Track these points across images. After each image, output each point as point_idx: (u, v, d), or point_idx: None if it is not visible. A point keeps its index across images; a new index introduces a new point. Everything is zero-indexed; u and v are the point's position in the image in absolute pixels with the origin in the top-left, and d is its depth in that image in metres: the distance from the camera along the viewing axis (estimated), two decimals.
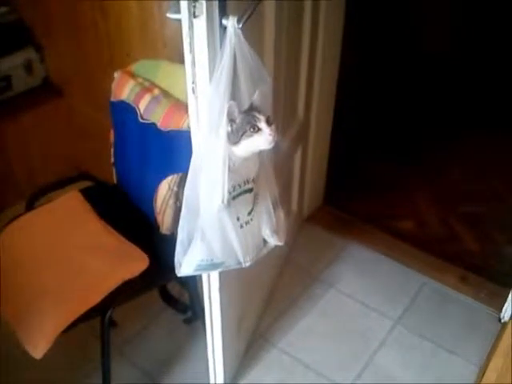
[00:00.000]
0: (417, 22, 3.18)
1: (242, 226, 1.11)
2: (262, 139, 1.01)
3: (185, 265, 1.14)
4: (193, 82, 1.00)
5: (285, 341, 1.89)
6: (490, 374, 1.56)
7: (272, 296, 2.02)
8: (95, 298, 1.36)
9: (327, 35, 1.83)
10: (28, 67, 2.29)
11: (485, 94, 3.10)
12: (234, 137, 1.00)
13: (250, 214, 1.12)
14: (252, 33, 1.03)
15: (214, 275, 1.32)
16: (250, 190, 1.08)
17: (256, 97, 1.03)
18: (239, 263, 1.18)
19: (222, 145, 0.98)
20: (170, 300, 1.97)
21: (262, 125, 1.01)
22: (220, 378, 1.67)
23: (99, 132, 2.27)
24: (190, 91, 1.02)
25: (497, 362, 1.53)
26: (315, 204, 2.41)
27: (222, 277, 1.33)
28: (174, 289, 1.94)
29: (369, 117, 2.99)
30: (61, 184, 1.71)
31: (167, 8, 0.99)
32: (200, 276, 1.39)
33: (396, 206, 2.49)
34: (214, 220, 1.05)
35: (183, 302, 1.94)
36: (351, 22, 2.03)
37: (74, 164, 2.51)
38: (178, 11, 0.96)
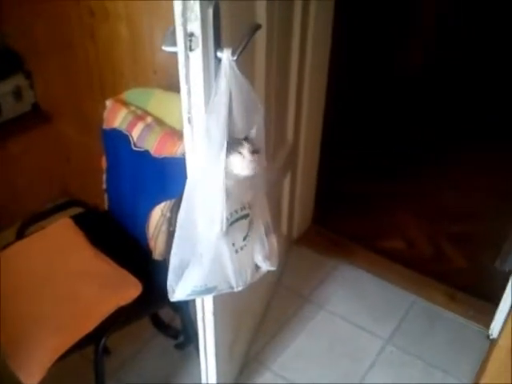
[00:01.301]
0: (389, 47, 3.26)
1: (237, 251, 1.13)
2: (243, 165, 1.04)
3: (179, 290, 1.15)
4: (188, 112, 1.02)
5: (278, 363, 1.89)
6: None
7: (264, 319, 2.03)
8: (89, 325, 1.36)
9: (314, 66, 1.88)
10: (17, 94, 2.30)
11: (469, 114, 3.19)
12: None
13: (244, 239, 1.14)
14: (245, 64, 1.06)
15: (208, 299, 1.33)
16: (247, 216, 1.10)
17: (253, 132, 1.06)
18: (231, 287, 1.20)
19: (220, 173, 1.00)
20: (161, 326, 1.96)
21: (245, 152, 1.03)
22: None
23: (87, 157, 2.30)
24: (185, 121, 1.04)
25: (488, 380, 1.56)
26: (304, 225, 2.44)
27: (216, 301, 1.34)
28: (165, 315, 1.94)
29: (356, 138, 3.05)
30: (51, 211, 1.72)
31: (162, 39, 1.02)
32: (193, 301, 1.40)
33: (384, 226, 2.52)
34: (211, 246, 1.07)
35: (174, 327, 1.94)
36: (335, 53, 2.08)
37: (63, 189, 2.52)
38: (174, 44, 0.99)
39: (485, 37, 3.37)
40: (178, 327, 1.91)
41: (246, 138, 1.07)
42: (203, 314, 1.38)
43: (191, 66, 0.98)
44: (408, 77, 3.30)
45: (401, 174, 2.80)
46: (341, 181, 2.73)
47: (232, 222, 1.07)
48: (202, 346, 1.49)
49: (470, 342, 1.96)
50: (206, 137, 1.01)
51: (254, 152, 1.06)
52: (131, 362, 1.88)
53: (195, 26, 0.93)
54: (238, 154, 1.04)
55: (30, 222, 1.67)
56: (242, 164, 1.04)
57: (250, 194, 1.12)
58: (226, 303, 1.43)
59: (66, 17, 1.98)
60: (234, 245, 1.11)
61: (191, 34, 0.94)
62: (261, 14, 1.28)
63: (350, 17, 2.45)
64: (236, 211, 1.08)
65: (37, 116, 2.40)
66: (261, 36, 1.28)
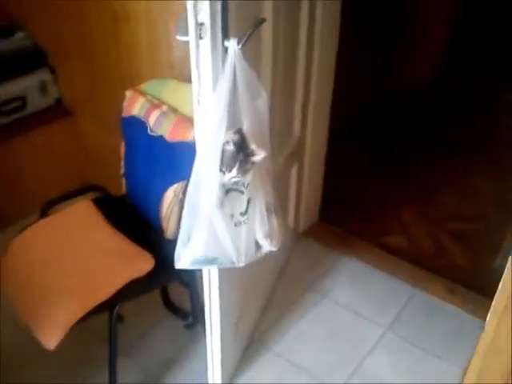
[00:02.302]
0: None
1: (236, 225, 1.23)
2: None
3: (183, 258, 1.26)
4: (198, 94, 1.14)
5: (280, 345, 1.99)
6: (471, 375, 1.66)
7: (268, 303, 2.13)
8: (105, 294, 1.48)
9: (321, 62, 2.00)
10: (42, 88, 2.45)
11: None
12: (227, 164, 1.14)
13: (243, 215, 1.24)
14: (251, 52, 1.18)
15: (214, 273, 1.44)
16: (241, 192, 1.20)
17: (245, 126, 1.16)
18: (232, 262, 1.29)
19: (219, 144, 1.12)
20: (172, 307, 2.08)
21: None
22: (218, 377, 1.77)
23: (105, 149, 2.45)
24: (195, 102, 1.16)
25: (476, 364, 1.64)
26: (311, 220, 2.54)
27: (222, 276, 1.45)
28: (175, 298, 2.06)
29: (362, 138, 3.16)
30: (73, 194, 1.85)
31: (176, 32, 1.14)
32: (201, 275, 1.51)
33: (387, 222, 2.62)
34: (207, 215, 1.18)
35: (184, 309, 2.06)
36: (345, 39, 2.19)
37: (82, 179, 2.65)
38: (186, 34, 1.11)
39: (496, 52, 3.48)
40: (187, 310, 2.03)
41: (241, 132, 1.16)
42: (209, 287, 1.49)
43: (201, 52, 1.10)
44: (414, 91, 3.41)
45: (405, 174, 2.90)
46: (347, 179, 2.83)
47: (228, 191, 1.17)
48: (207, 321, 1.60)
49: (467, 333, 2.04)
50: (210, 117, 1.12)
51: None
52: (142, 340, 1.99)
53: (205, 17, 1.05)
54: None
55: (53, 203, 1.80)
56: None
57: (248, 176, 1.21)
58: (231, 280, 1.54)
59: (90, 18, 2.13)
60: (232, 217, 1.21)
61: (201, 24, 1.06)
62: (267, 8, 1.40)
63: (357, 16, 2.55)
64: (233, 184, 1.18)
65: (59, 110, 2.55)
66: (267, 29, 1.40)
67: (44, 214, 1.79)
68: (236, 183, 1.21)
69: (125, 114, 1.68)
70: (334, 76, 2.18)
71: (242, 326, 1.86)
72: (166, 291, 2.05)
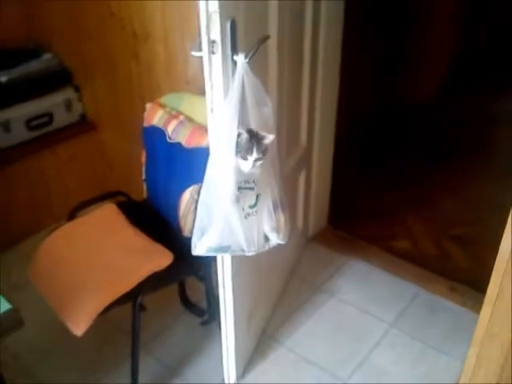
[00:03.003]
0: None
1: (246, 217, 1.38)
2: (245, 166, 1.31)
3: (199, 246, 1.42)
4: (211, 103, 1.31)
5: (290, 340, 2.12)
6: (470, 361, 1.78)
7: (279, 302, 2.27)
8: (128, 285, 1.63)
9: (326, 71, 2.16)
10: (68, 105, 2.65)
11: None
12: (246, 149, 1.30)
13: (252, 208, 1.39)
14: (258, 66, 1.34)
15: (227, 264, 1.59)
16: (252, 189, 1.36)
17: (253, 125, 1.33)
18: (243, 250, 1.44)
19: (232, 150, 1.28)
20: (188, 305, 2.23)
21: (250, 159, 1.30)
22: (232, 368, 1.90)
23: (127, 158, 2.63)
24: (209, 110, 1.32)
25: (474, 350, 1.75)
26: (320, 225, 2.68)
27: (235, 266, 1.60)
28: (192, 296, 2.21)
29: (367, 148, 3.31)
30: (98, 199, 2.01)
31: (192, 48, 1.31)
32: (216, 270, 1.66)
33: (392, 227, 2.75)
34: (224, 209, 1.33)
35: (200, 307, 2.20)
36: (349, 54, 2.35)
37: (105, 188, 2.82)
38: (200, 50, 1.28)
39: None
40: (203, 307, 2.17)
41: (256, 138, 1.32)
42: (223, 279, 1.64)
43: (213, 66, 1.27)
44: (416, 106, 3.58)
45: (408, 181, 3.05)
46: (353, 187, 2.98)
47: (240, 189, 1.33)
48: (222, 310, 1.74)
49: (467, 328, 2.11)
50: (222, 122, 1.28)
51: (257, 160, 1.32)
52: (161, 335, 2.14)
53: (216, 35, 1.22)
54: (244, 160, 1.31)
55: (79, 207, 1.96)
56: (245, 165, 1.32)
57: (257, 174, 1.37)
58: (244, 272, 1.69)
59: (111, 37, 2.33)
60: (243, 209, 1.36)
61: (213, 41, 1.23)
62: (272, 27, 1.57)
63: (361, 32, 2.72)
64: (245, 182, 1.34)
65: (84, 125, 2.75)
66: (272, 44, 1.57)
67: (71, 217, 1.96)
68: (247, 181, 1.37)
69: (146, 124, 1.85)
70: (338, 88, 2.34)
71: (254, 320, 1.99)
72: (184, 289, 2.19)
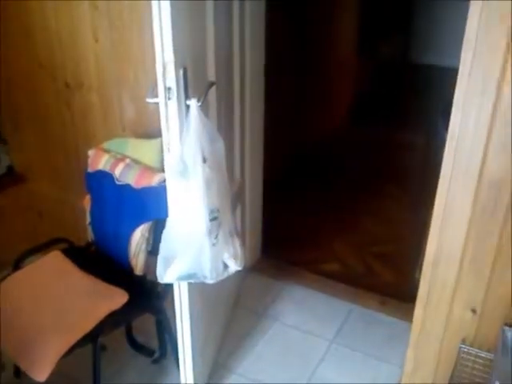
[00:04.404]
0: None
1: (212, 246, 1.50)
2: None
3: (168, 275, 1.50)
4: (168, 143, 1.43)
5: (241, 367, 2.21)
6: (408, 364, 1.97)
7: (226, 332, 2.36)
8: (87, 327, 1.66)
9: (252, 112, 2.36)
10: None
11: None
12: None
13: (216, 237, 1.51)
14: (202, 109, 1.49)
15: (185, 294, 1.67)
16: (216, 218, 1.49)
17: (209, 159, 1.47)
18: (205, 277, 1.55)
19: (200, 183, 1.40)
20: (137, 346, 2.25)
21: None
22: None
23: (60, 209, 2.63)
24: (166, 150, 1.44)
25: (411, 353, 1.95)
26: (255, 256, 2.83)
27: (192, 296, 1.69)
28: (139, 337, 2.24)
29: (290, 182, 3.56)
30: (41, 247, 2.02)
31: (147, 96, 1.44)
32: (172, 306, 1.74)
33: (322, 252, 2.96)
34: (198, 240, 1.44)
35: (148, 347, 2.24)
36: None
37: (37, 238, 2.79)
38: (155, 96, 1.41)
39: None
40: (151, 347, 2.21)
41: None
42: (181, 308, 1.72)
43: (169, 110, 1.39)
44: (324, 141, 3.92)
45: (332, 207, 3.30)
46: (284, 216, 3.18)
47: (211, 221, 1.45)
48: (180, 344, 1.81)
49: (400, 336, 2.35)
50: (181, 160, 1.41)
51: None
52: (112, 379, 2.13)
53: (171, 82, 1.35)
54: None
55: (23, 257, 1.96)
56: None
57: (218, 201, 1.50)
58: (197, 302, 1.78)
59: (42, 89, 2.37)
60: (210, 239, 1.48)
61: (169, 88, 1.36)
62: (211, 73, 1.74)
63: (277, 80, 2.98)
64: (212, 211, 1.46)
65: (11, 177, 2.72)
66: (212, 90, 1.73)
67: (16, 267, 1.95)
68: (213, 210, 1.49)
69: (90, 170, 1.92)
70: (264, 129, 2.56)
71: (206, 352, 2.07)
72: (131, 331, 2.22)
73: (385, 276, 2.79)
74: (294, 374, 2.18)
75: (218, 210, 1.48)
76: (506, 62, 1.38)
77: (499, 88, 1.40)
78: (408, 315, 2.46)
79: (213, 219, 1.47)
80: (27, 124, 2.55)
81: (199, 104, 1.40)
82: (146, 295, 1.78)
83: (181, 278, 1.52)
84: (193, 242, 1.46)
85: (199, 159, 1.39)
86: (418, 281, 2.18)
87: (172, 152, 1.44)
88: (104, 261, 1.97)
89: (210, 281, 1.57)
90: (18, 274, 1.89)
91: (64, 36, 2.17)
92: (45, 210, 2.78)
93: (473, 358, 1.71)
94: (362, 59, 4.26)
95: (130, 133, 2.21)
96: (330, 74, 3.84)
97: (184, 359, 1.84)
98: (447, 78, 3.90)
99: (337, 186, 3.62)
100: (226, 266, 1.62)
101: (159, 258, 1.50)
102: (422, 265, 2.09)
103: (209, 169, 1.42)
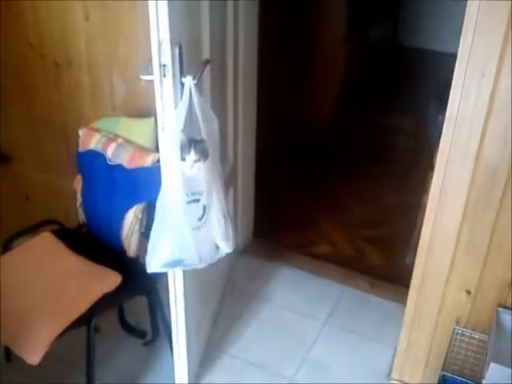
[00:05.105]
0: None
1: (195, 229, 1.47)
2: (185, 167, 1.40)
3: (153, 263, 1.48)
4: (163, 122, 1.40)
5: (235, 348, 2.21)
6: (402, 345, 1.99)
7: (219, 314, 2.35)
8: (81, 309, 1.64)
9: (245, 95, 2.33)
10: None
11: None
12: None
13: (200, 219, 1.48)
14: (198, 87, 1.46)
15: (180, 278, 1.66)
16: (198, 200, 1.45)
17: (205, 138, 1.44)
18: (196, 263, 1.53)
19: (177, 162, 1.37)
20: (129, 328, 2.24)
21: (189, 159, 1.39)
22: (185, 379, 1.95)
23: (47, 190, 2.58)
24: (160, 129, 1.41)
25: (404, 335, 1.97)
26: (247, 238, 2.82)
27: (186, 279, 1.67)
28: (131, 319, 2.23)
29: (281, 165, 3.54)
30: (31, 229, 1.99)
31: (141, 73, 1.40)
32: (167, 286, 1.72)
33: (313, 235, 2.96)
34: (175, 223, 1.41)
35: (140, 329, 2.23)
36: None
37: (23, 222, 2.75)
38: (149, 74, 1.37)
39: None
40: (143, 328, 2.20)
41: (195, 142, 1.42)
42: (175, 293, 1.70)
43: (164, 88, 1.36)
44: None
45: (322, 192, 3.30)
46: (275, 200, 3.16)
47: (189, 202, 1.42)
48: (174, 326, 1.80)
49: (392, 317, 2.37)
50: (170, 138, 1.38)
51: (196, 161, 1.41)
52: (106, 359, 2.12)
53: (167, 59, 1.32)
54: (183, 161, 1.40)
55: (12, 238, 1.92)
56: (185, 166, 1.40)
57: (204, 185, 1.46)
58: (192, 286, 1.76)
59: (31, 68, 2.31)
60: (191, 222, 1.45)
61: (164, 65, 1.33)
62: (206, 51, 1.70)
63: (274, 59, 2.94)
64: (192, 194, 1.43)
65: None
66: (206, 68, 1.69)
67: (6, 248, 1.91)
68: (194, 193, 1.46)
69: (81, 149, 1.87)
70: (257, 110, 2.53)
71: (200, 333, 2.06)
72: (122, 313, 2.20)
73: (373, 258, 2.80)
74: (288, 356, 2.19)
75: (199, 193, 1.44)
76: (505, 41, 1.37)
77: (499, 69, 1.39)
78: (398, 296, 2.49)
79: (192, 201, 1.43)
80: (14, 104, 2.48)
81: (195, 82, 1.36)
82: (139, 277, 1.75)
83: (167, 266, 1.49)
84: (172, 227, 1.43)
85: (179, 131, 1.35)
86: (409, 266, 2.20)
87: (166, 131, 1.41)
88: (96, 242, 1.94)
89: (200, 265, 1.55)
90: (8, 255, 1.86)
91: (54, 14, 2.11)
92: (32, 192, 2.73)
93: (467, 340, 1.72)
94: (352, 44, 4.22)
95: (120, 112, 2.16)
96: (319, 59, 3.80)
97: (178, 340, 1.83)
98: (438, 61, 3.92)
99: (327, 171, 3.60)
100: (217, 248, 1.60)
101: (148, 246, 1.47)
102: (413, 250, 2.11)
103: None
